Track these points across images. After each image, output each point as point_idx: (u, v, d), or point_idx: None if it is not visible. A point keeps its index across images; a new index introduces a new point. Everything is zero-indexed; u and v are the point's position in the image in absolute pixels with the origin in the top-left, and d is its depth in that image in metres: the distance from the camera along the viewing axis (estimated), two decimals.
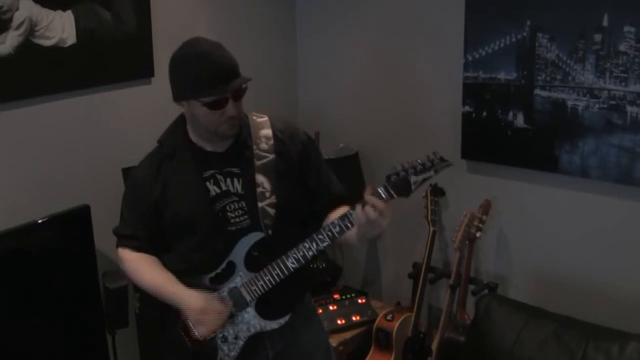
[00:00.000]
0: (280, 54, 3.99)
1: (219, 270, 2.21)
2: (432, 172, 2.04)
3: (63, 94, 3.03)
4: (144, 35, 3.27)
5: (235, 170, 2.21)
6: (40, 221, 2.71)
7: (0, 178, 2.87)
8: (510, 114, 3.24)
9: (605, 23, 2.90)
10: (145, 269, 2.29)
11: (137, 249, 2.32)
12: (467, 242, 3.30)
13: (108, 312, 2.91)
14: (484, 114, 3.32)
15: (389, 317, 3.49)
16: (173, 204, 2.21)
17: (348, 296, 3.73)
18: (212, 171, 2.21)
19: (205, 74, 2.06)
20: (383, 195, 2.01)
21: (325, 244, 2.10)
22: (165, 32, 3.38)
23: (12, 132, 2.90)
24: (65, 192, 3.01)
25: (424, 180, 2.04)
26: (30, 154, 2.97)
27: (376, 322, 3.50)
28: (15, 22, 2.79)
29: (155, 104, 3.41)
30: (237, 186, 2.20)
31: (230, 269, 2.20)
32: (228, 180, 2.21)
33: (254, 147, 2.21)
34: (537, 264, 3.38)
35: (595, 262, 3.18)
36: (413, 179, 2.02)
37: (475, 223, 3.26)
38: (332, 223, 2.09)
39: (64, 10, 2.95)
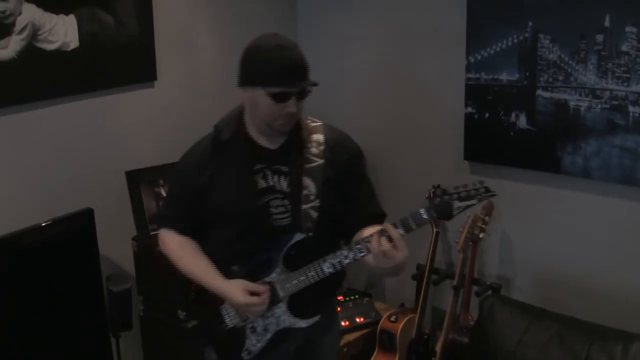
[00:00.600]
0: None
1: (255, 263, 2.26)
2: (475, 201, 2.08)
3: (66, 97, 3.04)
4: (146, 39, 3.28)
5: (284, 168, 2.24)
6: (44, 224, 2.71)
7: (3, 181, 2.88)
8: (513, 115, 3.24)
9: (607, 23, 2.89)
10: (189, 255, 2.34)
11: (180, 231, 2.36)
12: (470, 243, 3.29)
13: (112, 315, 2.92)
14: (487, 115, 3.32)
15: (392, 319, 3.49)
16: (219, 191, 2.25)
17: (352, 298, 3.73)
18: (261, 165, 2.24)
19: (279, 65, 2.09)
20: (400, 229, 2.06)
21: (362, 254, 2.13)
22: (168, 36, 3.39)
23: (15, 136, 2.91)
24: (69, 196, 3.02)
25: (467, 207, 2.08)
26: (33, 158, 2.98)
27: (380, 323, 3.51)
28: (18, 27, 2.80)
29: (158, 108, 3.43)
30: (284, 184, 2.24)
31: (267, 264, 2.24)
32: (275, 177, 2.24)
33: (305, 149, 2.24)
34: (540, 264, 3.37)
35: (598, 262, 3.18)
36: (456, 204, 2.06)
37: (479, 224, 3.26)
38: (371, 237, 2.11)
39: (67, 14, 2.96)
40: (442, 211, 2.07)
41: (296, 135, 2.25)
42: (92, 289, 2.88)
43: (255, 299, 2.20)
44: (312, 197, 2.21)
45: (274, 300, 2.25)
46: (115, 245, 3.23)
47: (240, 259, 2.26)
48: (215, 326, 2.35)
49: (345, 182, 2.28)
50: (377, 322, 3.53)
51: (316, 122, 2.32)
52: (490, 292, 3.34)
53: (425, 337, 3.44)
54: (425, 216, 2.07)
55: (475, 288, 3.38)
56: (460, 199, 2.06)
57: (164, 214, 2.44)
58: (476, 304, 3.11)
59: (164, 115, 3.46)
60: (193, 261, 2.33)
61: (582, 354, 2.65)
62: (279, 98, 2.10)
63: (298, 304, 2.27)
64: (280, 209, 2.24)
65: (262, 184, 2.23)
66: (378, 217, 2.30)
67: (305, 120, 2.30)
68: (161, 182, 3.23)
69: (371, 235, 2.09)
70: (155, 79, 3.37)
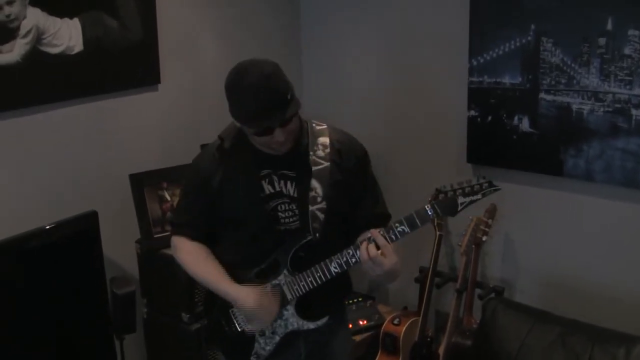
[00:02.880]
0: (285, 61, 3.94)
1: (264, 266, 2.28)
2: (479, 196, 2.11)
3: (70, 101, 3.05)
4: (150, 43, 3.29)
5: (291, 173, 2.25)
6: (48, 227, 2.72)
7: (7, 185, 2.89)
8: (516, 118, 3.25)
9: (609, 27, 2.90)
10: (200, 261, 2.36)
11: (193, 238, 2.38)
12: (473, 246, 3.29)
13: (115, 318, 2.92)
14: (489, 118, 3.33)
15: (396, 322, 3.49)
16: (229, 198, 2.27)
17: (355, 301, 3.73)
18: (267, 171, 2.25)
19: (249, 109, 2.08)
20: (388, 236, 2.11)
21: (353, 260, 2.16)
22: (171, 40, 3.40)
23: (19, 139, 2.92)
24: (73, 198, 3.03)
25: (471, 202, 2.11)
26: (37, 161, 2.99)
27: (383, 326, 3.51)
28: (22, 31, 2.81)
29: (162, 111, 3.44)
30: (290, 189, 2.25)
31: (275, 267, 2.26)
32: (282, 182, 2.26)
33: (311, 153, 2.25)
34: (543, 267, 3.37)
35: (601, 265, 3.18)
36: (460, 200, 2.09)
37: (482, 227, 3.26)
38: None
39: (71, 18, 2.97)
40: (446, 207, 2.10)
41: (301, 140, 2.26)
42: (96, 292, 2.88)
43: (265, 301, 2.23)
44: (319, 199, 2.22)
45: (282, 303, 2.27)
46: (119, 247, 3.24)
47: (250, 262, 2.29)
48: (224, 329, 2.37)
49: (351, 184, 2.29)
50: (380, 325, 3.53)
51: (321, 125, 2.33)
52: (493, 295, 3.35)
53: (428, 340, 3.44)
54: (429, 212, 2.09)
55: (478, 291, 3.39)
56: (465, 195, 2.09)
57: (176, 222, 2.46)
58: (479, 307, 3.12)
59: (167, 118, 3.47)
60: (203, 267, 2.35)
61: (585, 357, 2.65)
62: (261, 133, 2.12)
63: (306, 306, 2.29)
64: (288, 213, 2.26)
65: (268, 189, 2.25)
66: (383, 218, 2.32)
67: (311, 124, 2.31)
68: (165, 185, 3.24)
69: (361, 242, 2.12)
70: (159, 82, 3.38)
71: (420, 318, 3.42)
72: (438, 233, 3.41)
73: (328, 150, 2.26)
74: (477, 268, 3.36)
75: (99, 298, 2.90)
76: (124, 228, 3.23)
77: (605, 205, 3.11)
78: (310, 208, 2.23)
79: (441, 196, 2.10)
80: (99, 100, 3.16)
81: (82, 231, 2.83)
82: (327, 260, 2.19)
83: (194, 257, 2.37)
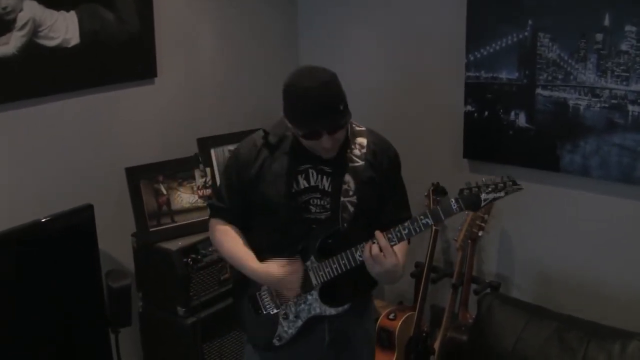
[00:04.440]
0: (282, 56, 4.00)
1: (292, 252, 2.36)
2: (502, 194, 2.20)
3: (66, 94, 3.04)
4: (147, 36, 3.28)
5: (328, 169, 2.34)
6: (43, 220, 2.71)
7: (3, 177, 2.89)
8: (512, 113, 3.25)
9: (606, 22, 2.90)
10: (229, 240, 2.45)
11: (227, 221, 2.47)
12: (469, 241, 3.30)
13: (111, 311, 2.92)
14: (486, 113, 3.33)
15: (391, 317, 3.50)
16: (264, 188, 2.35)
17: None
18: (306, 165, 2.34)
19: (301, 111, 2.17)
20: (392, 237, 2.21)
21: (392, 244, 2.22)
22: (168, 33, 3.39)
23: (15, 132, 2.91)
24: (69, 191, 3.02)
25: (494, 199, 2.20)
26: (33, 154, 2.98)
27: (378, 321, 3.51)
28: (19, 23, 2.80)
29: (158, 104, 3.43)
30: (325, 183, 2.34)
31: (304, 253, 2.35)
32: (319, 176, 2.34)
33: (349, 151, 2.35)
34: (539, 263, 3.38)
35: (597, 261, 3.18)
36: (484, 196, 2.18)
37: (478, 222, 3.26)
38: (402, 225, 2.23)
39: (68, 11, 2.96)
40: (470, 202, 2.19)
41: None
42: (92, 285, 2.88)
43: (289, 268, 2.33)
44: (351, 193, 2.31)
45: (307, 288, 2.36)
46: (115, 241, 3.23)
47: (279, 249, 2.37)
48: (249, 312, 2.46)
49: (381, 184, 2.38)
50: (376, 320, 3.53)
51: (360, 127, 2.43)
52: (489, 290, 3.35)
53: (424, 335, 3.44)
54: (454, 206, 2.18)
55: (474, 286, 3.39)
56: (488, 192, 2.18)
57: (214, 205, 2.53)
58: (475, 302, 3.12)
59: (164, 112, 3.47)
60: (232, 245, 2.44)
61: (580, 352, 2.66)
62: (309, 137, 2.20)
63: (330, 292, 2.37)
64: (319, 207, 2.35)
65: (303, 184, 2.34)
66: (405, 220, 2.37)
67: (351, 124, 2.39)
68: (161, 178, 3.23)
69: (403, 225, 2.23)
70: (156, 75, 3.38)
71: (416, 313, 3.42)
72: (434, 228, 3.42)
73: (364, 150, 2.36)
74: (473, 263, 3.37)
75: (95, 291, 2.90)
76: (120, 221, 3.22)
77: (601, 200, 3.12)
78: (342, 199, 2.31)
79: (466, 192, 2.18)
80: (95, 93, 3.16)
81: (78, 224, 2.83)
82: (352, 249, 2.27)
83: (224, 236, 2.46)
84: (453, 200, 2.19)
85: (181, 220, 3.22)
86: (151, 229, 3.18)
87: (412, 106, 3.68)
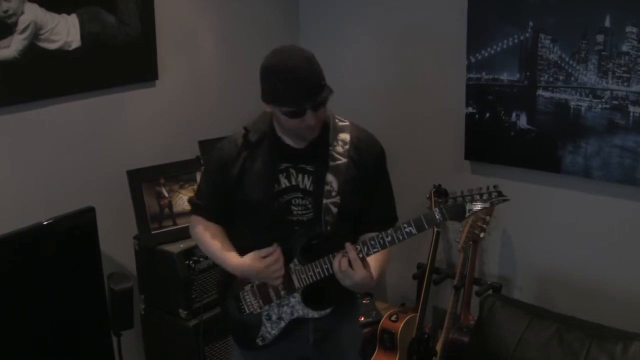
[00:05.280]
0: None
1: None
2: (487, 204, 2.15)
3: (67, 97, 3.05)
4: (148, 39, 3.28)
5: (309, 168, 2.32)
6: (45, 223, 2.71)
7: (5, 180, 2.89)
8: (514, 115, 3.25)
9: (607, 24, 2.90)
10: (209, 237, 2.44)
11: (208, 218, 2.47)
12: (471, 243, 3.30)
13: (113, 314, 2.92)
14: (487, 115, 3.33)
15: (393, 318, 3.50)
16: (245, 187, 2.33)
17: None
18: (286, 164, 2.32)
19: (288, 88, 2.14)
20: (359, 249, 2.18)
21: (375, 250, 2.20)
22: (169, 36, 3.40)
23: (17, 135, 2.91)
24: (70, 194, 3.03)
25: (479, 210, 2.15)
26: (35, 157, 2.98)
27: (381, 323, 3.52)
28: (20, 26, 2.81)
29: (159, 107, 3.44)
30: (307, 183, 2.31)
31: (287, 255, 2.32)
32: (299, 176, 2.32)
33: (331, 148, 2.32)
34: (540, 264, 3.38)
35: (599, 262, 3.18)
36: (469, 206, 2.14)
37: (479, 224, 3.26)
38: (385, 233, 2.18)
39: (69, 14, 2.97)
40: (454, 212, 2.14)
41: (323, 135, 2.32)
42: (94, 288, 2.88)
43: (270, 259, 2.28)
44: (334, 193, 2.28)
45: (290, 290, 2.33)
46: (117, 243, 3.24)
47: (262, 248, 2.33)
48: (233, 311, 2.45)
49: (365, 181, 2.34)
50: (378, 321, 3.54)
51: (343, 121, 2.40)
52: (490, 291, 3.35)
53: (426, 336, 3.44)
54: (437, 216, 2.14)
55: (475, 287, 3.39)
56: (473, 201, 2.13)
57: (194, 202, 2.52)
58: (477, 304, 3.12)
59: (165, 114, 3.47)
60: (211, 240, 2.42)
61: (582, 353, 2.65)
62: (293, 115, 2.17)
63: (312, 295, 2.35)
64: (301, 207, 2.32)
65: (285, 183, 2.31)
66: (389, 220, 2.37)
67: (333, 119, 2.37)
68: (162, 181, 3.23)
69: (387, 232, 2.19)
70: (157, 78, 3.38)
71: (418, 314, 3.42)
72: (436, 230, 3.42)
73: (347, 146, 2.32)
74: (475, 265, 3.36)
75: (97, 294, 2.90)
76: (122, 224, 3.23)
77: (602, 202, 3.11)
78: (325, 201, 2.28)
79: (450, 201, 2.15)
80: (96, 96, 3.16)
81: (80, 227, 2.83)
82: (335, 253, 2.24)
83: (205, 233, 2.45)
84: (437, 210, 2.15)
85: (183, 223, 3.22)
86: (153, 232, 3.18)
87: (414, 108, 3.68)
